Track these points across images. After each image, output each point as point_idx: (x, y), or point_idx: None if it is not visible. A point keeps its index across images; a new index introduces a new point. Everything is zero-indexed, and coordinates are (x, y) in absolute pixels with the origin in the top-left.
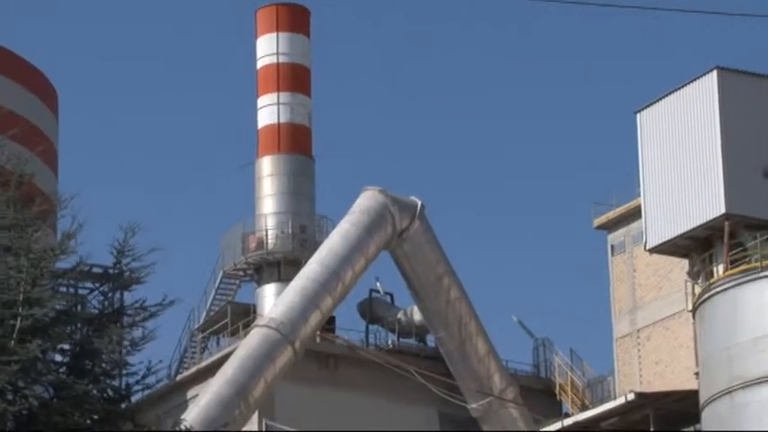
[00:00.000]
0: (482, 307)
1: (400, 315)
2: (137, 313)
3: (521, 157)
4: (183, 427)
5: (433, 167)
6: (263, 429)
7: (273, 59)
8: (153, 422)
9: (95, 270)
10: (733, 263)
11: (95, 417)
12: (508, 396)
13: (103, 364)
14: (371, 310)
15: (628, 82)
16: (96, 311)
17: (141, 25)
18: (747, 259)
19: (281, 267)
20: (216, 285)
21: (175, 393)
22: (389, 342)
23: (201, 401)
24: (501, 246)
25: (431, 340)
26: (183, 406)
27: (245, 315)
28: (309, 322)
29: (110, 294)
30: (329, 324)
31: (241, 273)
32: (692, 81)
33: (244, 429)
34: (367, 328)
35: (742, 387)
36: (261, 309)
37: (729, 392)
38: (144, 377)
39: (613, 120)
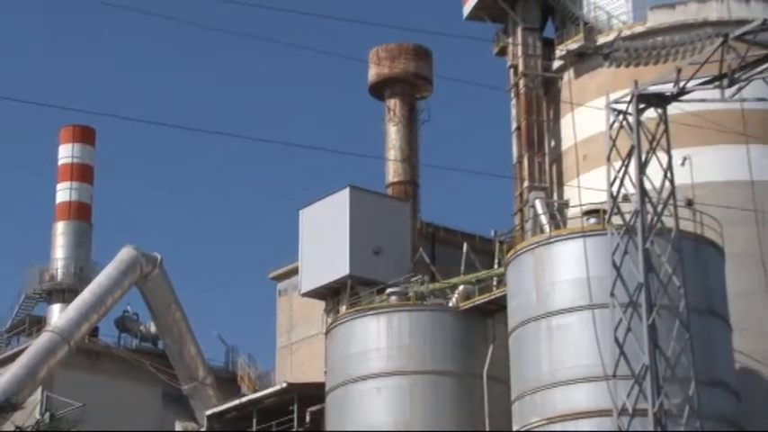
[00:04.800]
0: (196, 324)
1: (142, 327)
2: None
3: (236, 232)
4: None
5: (174, 233)
6: (44, 398)
7: (69, 160)
8: None
9: None
10: (352, 305)
11: None
12: (207, 382)
13: None
14: (123, 324)
15: (300, 187)
16: None
17: None
18: (360, 303)
19: (65, 293)
20: (20, 303)
21: None
22: (134, 345)
23: (4, 378)
24: (214, 288)
25: (161, 345)
26: None
27: (39, 323)
28: (81, 329)
29: None
30: (95, 331)
31: (38, 295)
32: (335, 192)
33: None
34: (119, 335)
35: (353, 381)
36: (49, 319)
37: (344, 385)
38: None
39: (289, 212)
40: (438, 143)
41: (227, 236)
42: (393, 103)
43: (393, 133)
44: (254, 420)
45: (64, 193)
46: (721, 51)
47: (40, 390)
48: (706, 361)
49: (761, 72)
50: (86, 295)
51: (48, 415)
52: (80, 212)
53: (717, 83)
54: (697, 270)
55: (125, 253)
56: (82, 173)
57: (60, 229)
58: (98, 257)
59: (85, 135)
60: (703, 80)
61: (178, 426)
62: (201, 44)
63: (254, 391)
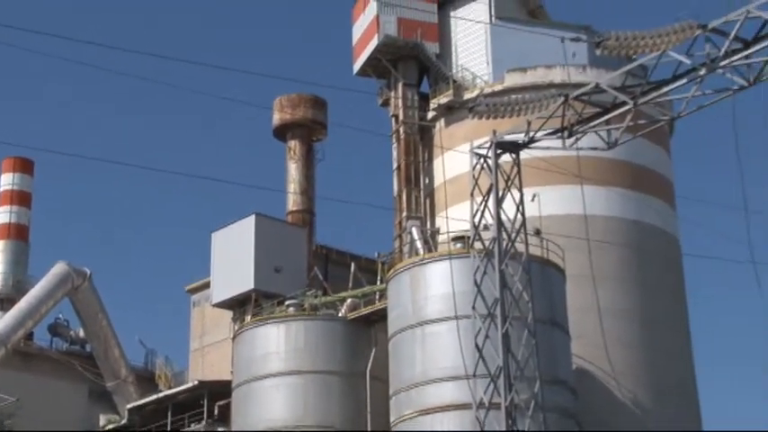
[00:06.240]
0: (120, 330)
1: (72, 333)
2: None
3: (157, 251)
4: None
5: (102, 252)
6: None
7: (10, 187)
8: None
9: None
10: (255, 315)
11: None
12: (129, 380)
13: None
14: (55, 329)
15: (213, 214)
16: None
17: None
18: (263, 313)
19: (3, 303)
20: None
21: None
22: (64, 348)
23: None
24: (137, 299)
25: (88, 348)
26: None
27: None
28: (17, 334)
29: None
30: (30, 336)
31: None
32: (242, 218)
33: None
34: (52, 339)
35: (256, 380)
36: None
37: (248, 382)
38: None
39: (202, 235)
40: (331, 178)
41: (149, 255)
42: (293, 144)
43: (293, 169)
44: (170, 413)
45: (4, 215)
46: (563, 108)
47: None
48: (549, 363)
49: (594, 126)
50: (23, 304)
51: None
52: (19, 233)
53: (559, 134)
54: (543, 288)
55: (58, 268)
56: (21, 198)
57: (0, 246)
58: (34, 272)
59: (25, 166)
60: (548, 131)
61: (102, 418)
62: (135, 92)
63: (170, 387)
